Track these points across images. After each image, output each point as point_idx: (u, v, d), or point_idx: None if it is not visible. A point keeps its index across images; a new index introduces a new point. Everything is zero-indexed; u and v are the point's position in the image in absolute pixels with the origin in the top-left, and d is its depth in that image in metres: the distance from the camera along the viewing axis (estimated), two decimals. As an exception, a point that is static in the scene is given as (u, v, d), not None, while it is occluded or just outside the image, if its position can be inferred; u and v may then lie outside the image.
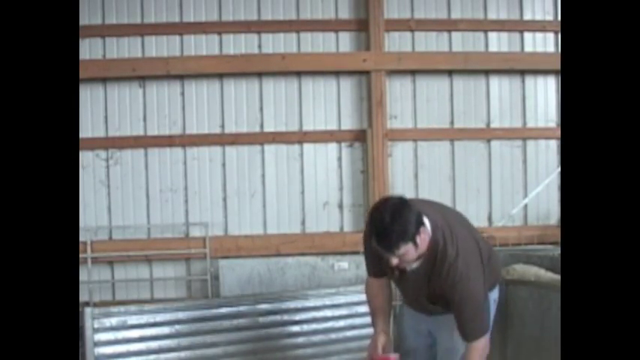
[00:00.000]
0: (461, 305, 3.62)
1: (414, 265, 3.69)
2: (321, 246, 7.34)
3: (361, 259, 6.41)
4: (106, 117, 7.41)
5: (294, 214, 7.50)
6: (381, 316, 3.89)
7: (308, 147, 7.53)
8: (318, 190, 7.52)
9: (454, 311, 3.68)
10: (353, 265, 7.03)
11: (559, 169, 7.28)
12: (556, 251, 5.66)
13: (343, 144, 7.53)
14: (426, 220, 3.63)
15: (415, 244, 3.59)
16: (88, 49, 7.25)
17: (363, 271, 6.46)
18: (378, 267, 3.86)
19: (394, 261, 3.59)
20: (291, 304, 5.48)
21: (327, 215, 7.51)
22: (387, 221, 3.52)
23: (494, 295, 3.91)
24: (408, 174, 7.57)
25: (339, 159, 7.54)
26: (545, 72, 7.51)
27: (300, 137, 7.51)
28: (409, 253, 3.60)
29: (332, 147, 7.53)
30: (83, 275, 7.02)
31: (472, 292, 3.63)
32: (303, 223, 7.53)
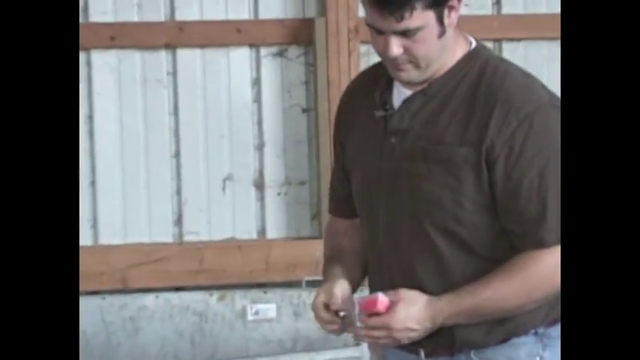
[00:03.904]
0: (540, 177, 3.02)
1: (419, 80, 2.99)
2: (218, 270, 6.02)
3: (308, 297, 6.94)
4: None
5: (159, 204, 6.17)
6: (340, 264, 3.30)
7: (187, 56, 6.06)
8: (211, 153, 6.16)
9: (511, 201, 2.99)
10: (287, 310, 5.97)
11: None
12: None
13: (264, 51, 6.12)
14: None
15: (441, 14, 2.87)
16: None
17: (305, 321, 6.31)
18: (346, 189, 3.26)
19: (395, 49, 2.87)
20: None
21: (230, 205, 6.10)
22: None
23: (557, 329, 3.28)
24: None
25: (257, 83, 6.10)
26: None
27: (173, 36, 6.10)
28: (428, 33, 2.88)
29: (240, 57, 6.11)
30: None
31: (556, 157, 3.00)
32: (178, 222, 6.10)
